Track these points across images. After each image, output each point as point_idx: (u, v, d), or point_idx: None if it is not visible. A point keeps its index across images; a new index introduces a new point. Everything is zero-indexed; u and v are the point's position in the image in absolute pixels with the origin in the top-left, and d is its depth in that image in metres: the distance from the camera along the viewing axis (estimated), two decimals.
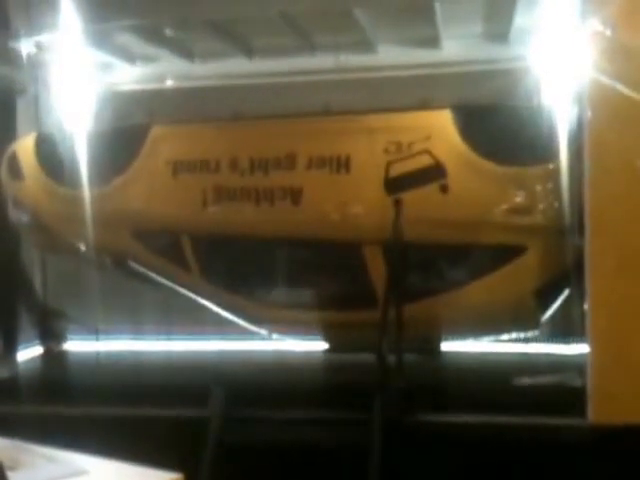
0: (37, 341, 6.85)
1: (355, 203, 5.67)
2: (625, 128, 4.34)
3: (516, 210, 5.38)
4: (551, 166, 5.24)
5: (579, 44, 4.39)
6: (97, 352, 6.62)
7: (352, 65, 6.42)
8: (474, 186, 5.41)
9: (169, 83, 6.94)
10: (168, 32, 6.44)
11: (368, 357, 5.28)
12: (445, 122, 5.53)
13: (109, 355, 6.52)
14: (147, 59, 7.03)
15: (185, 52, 6.88)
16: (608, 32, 4.31)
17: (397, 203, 5.35)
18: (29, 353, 6.64)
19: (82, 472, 2.64)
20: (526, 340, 5.89)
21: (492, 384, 5.26)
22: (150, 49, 6.75)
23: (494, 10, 5.78)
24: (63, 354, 6.82)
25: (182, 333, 6.68)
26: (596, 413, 4.41)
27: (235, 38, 6.52)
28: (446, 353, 6.06)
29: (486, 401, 4.85)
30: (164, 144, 6.13)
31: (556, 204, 5.27)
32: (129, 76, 7.06)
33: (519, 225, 5.38)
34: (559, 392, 4.95)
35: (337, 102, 5.94)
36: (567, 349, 5.81)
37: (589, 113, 4.39)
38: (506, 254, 5.48)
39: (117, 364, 6.18)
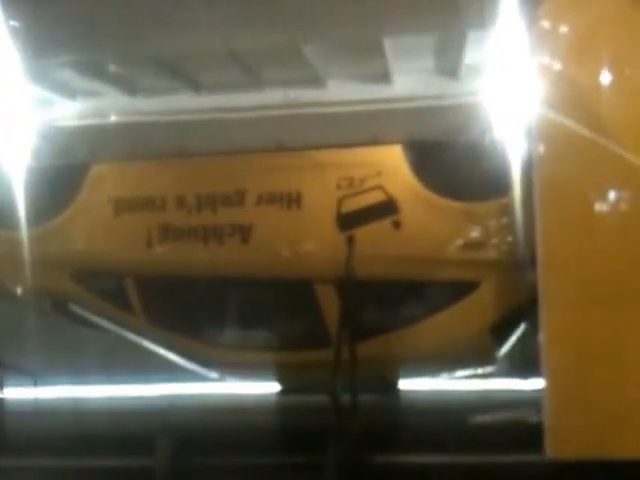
0: None
1: (307, 240, 5.58)
2: (574, 161, 4.37)
3: (469, 245, 5.37)
4: (503, 201, 5.24)
5: (528, 79, 4.44)
6: (35, 399, 6.28)
7: (302, 101, 6.39)
8: (426, 222, 5.39)
9: (111, 119, 6.78)
10: (111, 68, 6.31)
11: (322, 398, 5.14)
12: (396, 158, 5.51)
13: (48, 402, 6.19)
14: (88, 94, 6.87)
15: (128, 87, 6.74)
16: (556, 67, 4.38)
17: (349, 240, 5.28)
18: None
19: None
20: (483, 376, 5.84)
21: (450, 422, 5.19)
22: (91, 84, 6.60)
23: (444, 46, 5.83)
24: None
25: (126, 377, 6.41)
26: (553, 449, 4.35)
27: (181, 74, 6.42)
28: (403, 392, 5.97)
29: (444, 440, 4.77)
30: (105, 182, 5.93)
31: (509, 239, 5.27)
32: (69, 112, 6.88)
33: (472, 260, 5.37)
34: (516, 429, 4.90)
35: (287, 138, 5.88)
36: (525, 385, 5.78)
37: (539, 147, 4.42)
38: (460, 290, 5.44)
39: (57, 411, 5.88)
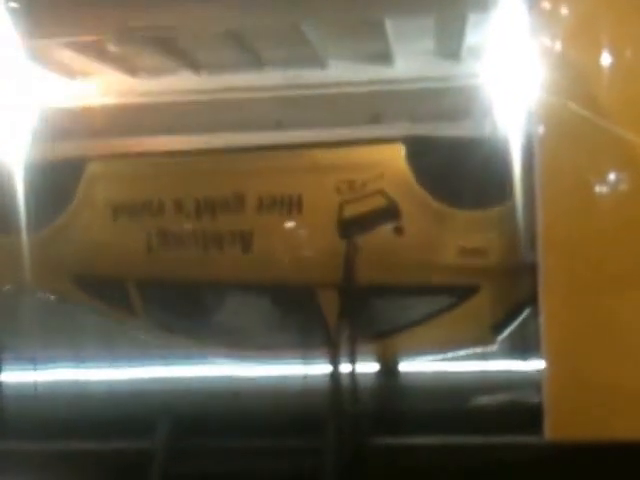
0: None
1: (308, 247, 5.47)
2: (576, 144, 4.35)
3: (471, 252, 5.29)
4: (505, 208, 5.13)
5: (529, 61, 4.41)
6: (35, 382, 6.30)
7: (302, 81, 6.35)
8: (428, 228, 5.32)
9: (110, 99, 6.76)
10: (110, 48, 6.27)
11: (322, 382, 5.15)
12: (397, 158, 5.36)
13: (47, 385, 6.21)
14: (88, 75, 6.83)
15: (127, 68, 6.70)
16: (558, 49, 4.34)
17: (351, 246, 5.17)
18: None
19: None
20: (483, 357, 5.86)
21: (449, 404, 5.19)
22: (91, 64, 6.56)
23: (445, 28, 5.78)
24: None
25: (125, 359, 6.42)
26: (552, 430, 4.37)
27: (180, 54, 6.38)
28: (401, 373, 5.98)
29: (443, 422, 4.78)
30: (101, 183, 5.76)
31: (510, 245, 5.16)
32: (69, 92, 6.85)
33: (473, 267, 5.31)
34: (516, 410, 4.91)
35: (287, 118, 5.84)
36: (524, 366, 5.79)
37: (540, 130, 4.40)
38: (461, 293, 5.43)
39: (56, 394, 5.88)
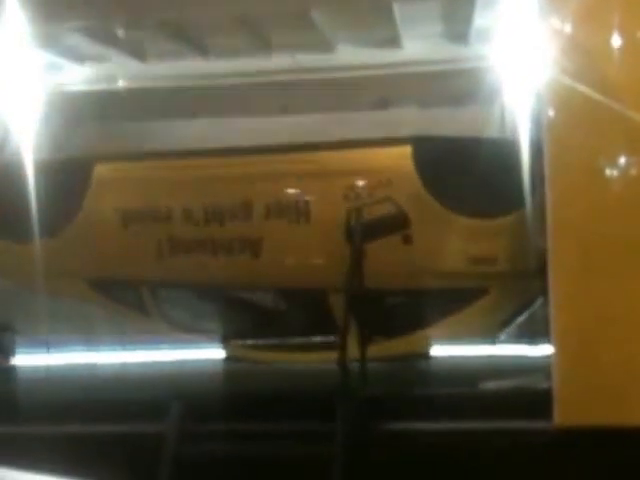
0: None
1: (317, 254, 5.48)
2: (586, 127, 4.31)
3: (480, 260, 5.30)
4: (516, 216, 5.14)
5: (538, 43, 4.36)
6: (47, 366, 6.36)
7: (310, 65, 6.31)
8: (437, 237, 5.32)
9: (120, 83, 6.75)
10: (119, 33, 6.25)
11: (332, 365, 5.16)
12: (405, 164, 5.32)
13: (60, 368, 6.27)
14: (97, 59, 6.82)
15: (136, 52, 6.69)
16: (567, 30, 4.29)
17: (359, 253, 5.13)
18: None
19: None
20: (492, 342, 5.86)
21: (458, 389, 5.20)
22: (100, 49, 6.55)
23: (453, 10, 5.72)
24: (11, 369, 6.55)
25: (137, 343, 6.47)
26: (561, 416, 4.36)
27: (189, 39, 6.36)
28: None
29: (452, 407, 4.78)
30: (110, 189, 5.78)
31: (520, 251, 5.17)
32: (79, 77, 6.84)
33: (483, 273, 5.34)
34: (525, 395, 4.91)
35: (293, 103, 5.82)
36: (533, 351, 5.79)
37: (550, 112, 4.36)
38: (467, 296, 5.46)
39: (69, 378, 5.95)
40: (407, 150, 5.34)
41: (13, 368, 6.54)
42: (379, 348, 5.30)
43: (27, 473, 2.62)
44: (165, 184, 5.74)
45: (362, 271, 5.08)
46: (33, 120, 6.04)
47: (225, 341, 5.92)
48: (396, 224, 5.29)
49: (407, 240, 5.27)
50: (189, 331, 5.92)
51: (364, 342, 5.08)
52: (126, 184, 5.83)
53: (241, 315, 5.89)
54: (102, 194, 5.77)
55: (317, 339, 5.65)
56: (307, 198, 5.41)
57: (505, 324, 5.54)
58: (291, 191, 5.46)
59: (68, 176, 5.81)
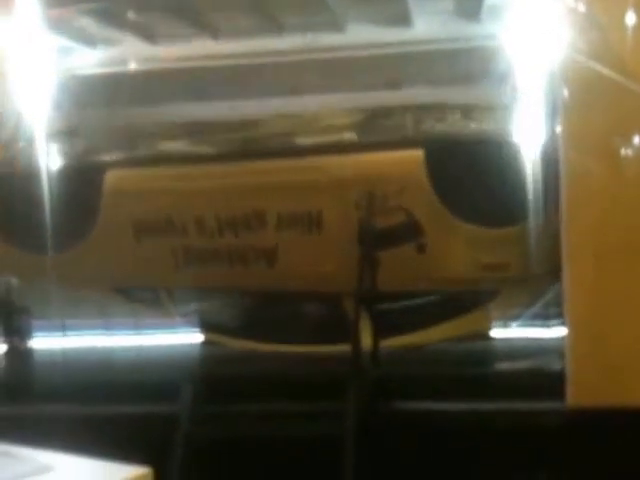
0: None
1: (330, 263, 5.49)
2: (601, 107, 4.25)
3: (493, 267, 5.33)
4: (529, 225, 5.12)
5: (552, 22, 4.29)
6: (63, 348, 6.44)
7: (320, 45, 6.25)
8: (450, 247, 5.36)
9: (132, 66, 6.73)
10: (130, 15, 6.23)
11: (342, 347, 5.19)
12: (417, 172, 5.31)
13: (76, 351, 6.34)
14: (108, 42, 6.80)
15: (147, 34, 6.66)
16: (582, 8, 4.22)
17: (372, 262, 5.18)
18: None
19: (46, 469, 2.55)
20: (505, 324, 5.87)
21: (470, 370, 5.22)
22: (111, 32, 6.53)
23: None
24: (28, 351, 6.63)
25: (151, 326, 6.53)
26: (574, 397, 4.36)
27: (199, 20, 6.32)
28: None
29: (464, 387, 4.80)
30: (122, 200, 5.79)
31: (533, 258, 5.20)
32: (90, 60, 6.83)
33: (494, 278, 5.38)
34: (538, 376, 4.91)
35: (303, 83, 5.78)
36: (547, 332, 5.78)
37: (564, 93, 4.30)
38: (477, 299, 5.55)
39: (84, 360, 6.02)
40: (419, 156, 5.35)
41: (30, 350, 6.61)
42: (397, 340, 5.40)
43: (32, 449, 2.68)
44: (177, 195, 5.77)
45: (374, 277, 5.16)
46: (45, 104, 6.04)
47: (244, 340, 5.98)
48: (409, 234, 5.35)
49: (420, 249, 5.33)
50: (205, 328, 6.02)
51: (376, 334, 5.21)
52: (136, 192, 5.83)
53: (259, 318, 5.95)
54: (115, 207, 5.81)
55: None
56: (319, 207, 5.44)
57: (514, 319, 5.58)
58: (303, 199, 5.48)
59: (82, 188, 5.83)
